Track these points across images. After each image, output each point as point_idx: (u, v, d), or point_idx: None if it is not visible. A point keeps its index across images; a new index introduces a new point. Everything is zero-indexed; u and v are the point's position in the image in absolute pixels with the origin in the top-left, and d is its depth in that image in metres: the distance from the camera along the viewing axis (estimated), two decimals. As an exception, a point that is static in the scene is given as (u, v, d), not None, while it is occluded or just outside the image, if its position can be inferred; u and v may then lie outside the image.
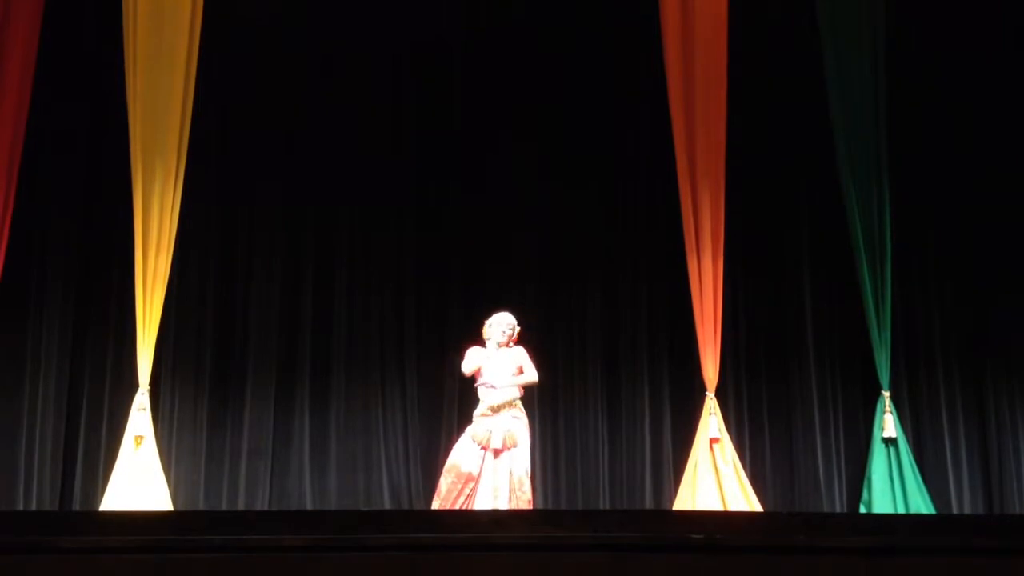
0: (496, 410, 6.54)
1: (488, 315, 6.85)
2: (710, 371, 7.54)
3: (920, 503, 7.38)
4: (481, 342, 6.81)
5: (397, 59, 8.16)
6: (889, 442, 7.54)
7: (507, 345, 6.73)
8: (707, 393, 7.52)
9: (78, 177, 7.77)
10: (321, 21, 8.06)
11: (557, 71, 8.15)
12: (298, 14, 8.05)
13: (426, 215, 8.01)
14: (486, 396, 6.62)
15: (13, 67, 7.44)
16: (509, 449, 6.44)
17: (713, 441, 7.41)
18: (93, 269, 7.72)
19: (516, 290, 7.86)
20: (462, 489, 6.38)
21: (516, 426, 6.52)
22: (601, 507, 7.54)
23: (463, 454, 6.49)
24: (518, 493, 6.37)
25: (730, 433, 7.51)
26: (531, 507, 6.51)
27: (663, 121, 7.82)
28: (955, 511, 7.55)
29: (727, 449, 7.43)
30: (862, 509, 7.50)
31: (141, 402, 7.25)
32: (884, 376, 7.63)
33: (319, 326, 7.82)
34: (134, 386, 7.31)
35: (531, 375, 6.73)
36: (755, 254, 8.01)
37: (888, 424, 7.55)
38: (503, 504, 6.33)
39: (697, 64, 7.76)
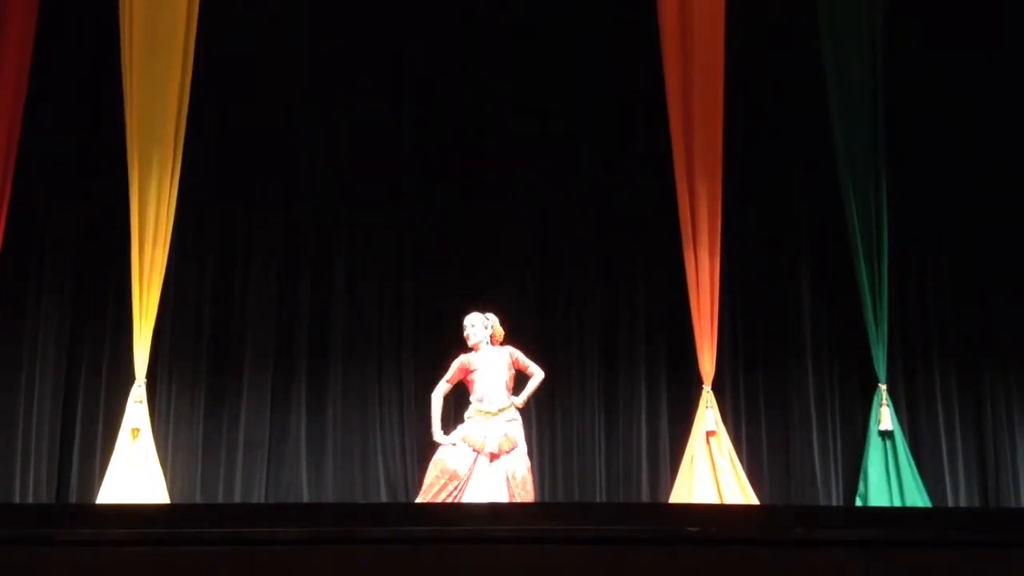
0: (492, 415, 6.50)
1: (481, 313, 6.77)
2: (707, 364, 7.55)
3: (916, 496, 7.39)
4: (466, 349, 6.73)
5: (397, 57, 8.16)
6: (885, 435, 7.55)
7: (493, 343, 6.67)
8: (704, 386, 7.53)
9: (75, 170, 7.78)
10: (320, 16, 8.05)
11: (555, 67, 8.15)
12: (296, 7, 8.03)
13: (424, 211, 8.01)
14: (480, 404, 6.54)
15: (9, 61, 7.43)
16: (507, 452, 6.42)
17: (710, 434, 7.41)
18: (90, 262, 7.73)
19: (514, 285, 7.87)
20: (445, 485, 6.33)
21: (512, 428, 6.49)
22: (598, 500, 7.55)
23: (451, 451, 6.45)
24: (521, 492, 6.34)
25: (727, 426, 7.52)
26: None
27: (661, 116, 7.82)
28: (951, 504, 7.57)
29: (724, 442, 7.44)
30: (858, 502, 7.51)
31: (138, 394, 7.26)
32: (881, 370, 7.64)
33: (316, 319, 7.83)
34: (131, 378, 7.31)
35: (537, 375, 6.67)
36: (752, 248, 8.02)
37: (884, 417, 7.56)
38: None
39: (695, 59, 7.75)
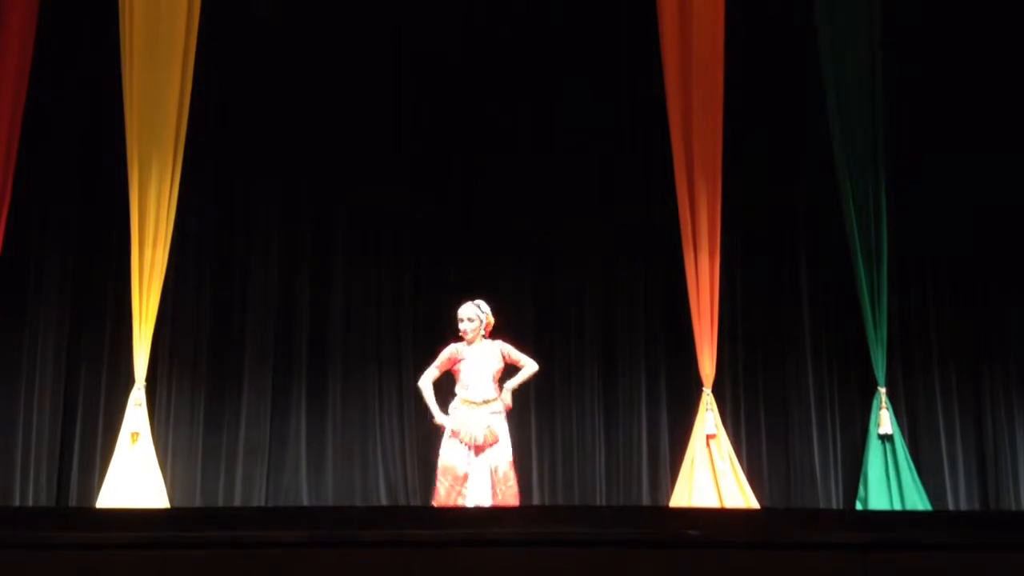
0: (476, 405, 6.51)
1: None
2: (707, 367, 7.55)
3: (916, 499, 7.39)
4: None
5: (397, 58, 8.16)
6: (885, 438, 7.55)
7: (486, 333, 6.68)
8: (704, 389, 7.53)
9: (75, 172, 7.78)
10: (320, 18, 8.05)
11: (555, 67, 8.15)
12: (297, 11, 8.03)
13: (424, 213, 8.01)
14: (465, 392, 6.56)
15: (10, 64, 7.44)
16: (491, 445, 6.43)
17: (710, 437, 7.42)
18: (90, 264, 7.73)
19: (513, 286, 7.87)
20: (460, 490, 6.37)
21: (495, 421, 6.51)
22: (598, 503, 7.55)
23: (454, 455, 6.45)
24: (502, 487, 6.37)
25: (727, 429, 7.52)
26: (517, 500, 6.52)
27: (661, 117, 7.82)
28: (951, 507, 7.57)
29: (724, 445, 7.44)
30: (858, 505, 7.51)
31: (137, 398, 7.25)
32: (880, 372, 7.64)
33: (316, 322, 7.83)
34: (130, 382, 7.31)
35: (531, 366, 6.68)
36: (752, 250, 8.02)
37: (884, 420, 7.56)
38: (486, 499, 6.33)
39: (694, 61, 7.76)
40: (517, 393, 6.73)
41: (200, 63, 7.64)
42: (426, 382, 6.67)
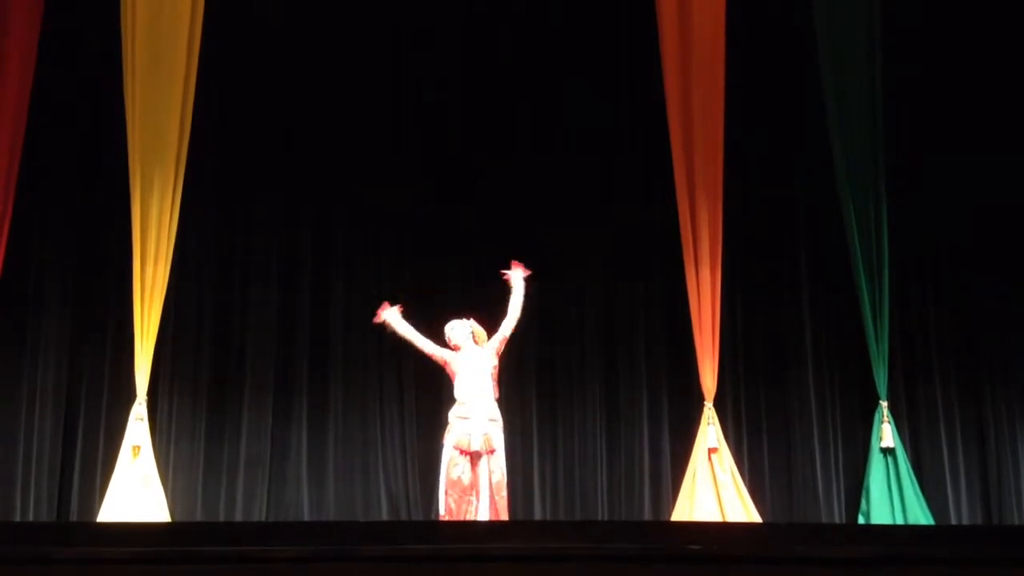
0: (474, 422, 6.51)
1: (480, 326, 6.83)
2: (708, 381, 7.54)
3: (918, 513, 7.38)
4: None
5: (396, 59, 8.18)
6: (887, 452, 7.54)
7: (475, 343, 6.71)
8: (705, 403, 7.52)
9: (76, 187, 7.79)
10: (322, 32, 8.08)
11: (555, 67, 8.15)
12: (299, 27, 8.06)
13: (424, 213, 8.01)
14: (464, 398, 6.57)
15: (11, 82, 7.45)
16: (488, 454, 6.43)
17: (712, 451, 7.40)
18: (91, 279, 7.73)
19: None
20: (470, 499, 6.38)
21: (493, 429, 6.51)
22: (599, 517, 7.54)
23: (459, 468, 6.46)
24: (498, 496, 6.37)
25: (728, 443, 7.51)
26: (507, 512, 6.50)
27: (661, 132, 7.83)
28: (953, 521, 7.55)
29: (725, 459, 7.43)
30: (860, 519, 7.49)
31: (139, 412, 7.24)
32: (882, 386, 7.63)
33: (317, 336, 7.82)
34: (132, 396, 7.30)
35: (514, 311, 6.68)
36: (754, 264, 8.02)
37: (886, 434, 7.55)
38: (484, 508, 6.32)
39: (694, 62, 7.77)
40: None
41: (200, 68, 7.64)
42: (406, 328, 6.74)
